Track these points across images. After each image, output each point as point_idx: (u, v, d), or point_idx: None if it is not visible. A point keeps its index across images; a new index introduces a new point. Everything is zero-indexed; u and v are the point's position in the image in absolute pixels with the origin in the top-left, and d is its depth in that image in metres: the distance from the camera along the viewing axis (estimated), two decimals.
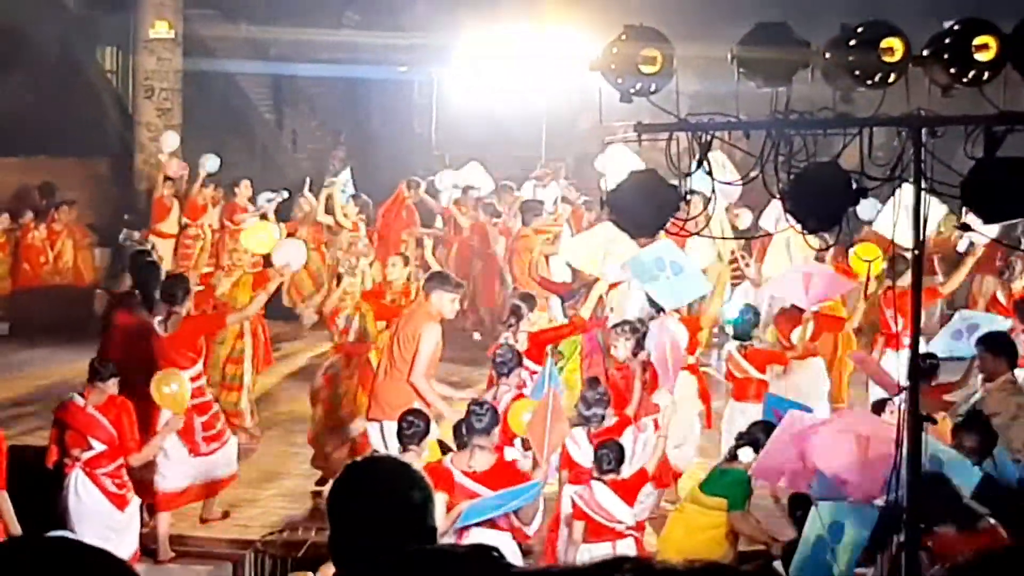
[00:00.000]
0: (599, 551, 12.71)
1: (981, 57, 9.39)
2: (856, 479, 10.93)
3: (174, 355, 14.57)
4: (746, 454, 12.95)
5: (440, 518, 11.15)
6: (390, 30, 29.92)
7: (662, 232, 10.84)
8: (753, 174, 10.07)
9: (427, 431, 12.85)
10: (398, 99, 32.50)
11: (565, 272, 20.73)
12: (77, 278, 25.64)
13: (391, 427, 13.85)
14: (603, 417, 13.81)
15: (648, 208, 9.86)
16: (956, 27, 9.51)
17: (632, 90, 9.65)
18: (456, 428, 13.11)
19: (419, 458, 12.37)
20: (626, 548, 13.00)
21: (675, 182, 9.76)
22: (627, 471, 13.13)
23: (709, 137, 9.75)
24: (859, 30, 9.55)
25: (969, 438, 11.57)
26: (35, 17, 31.49)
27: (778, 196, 9.72)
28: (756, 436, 12.89)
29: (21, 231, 25.74)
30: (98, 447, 13.31)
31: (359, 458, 4.88)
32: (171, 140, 25.42)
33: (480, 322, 23.65)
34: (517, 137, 29.38)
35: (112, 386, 13.53)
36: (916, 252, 9.91)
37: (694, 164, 9.77)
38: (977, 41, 9.39)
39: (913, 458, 9.40)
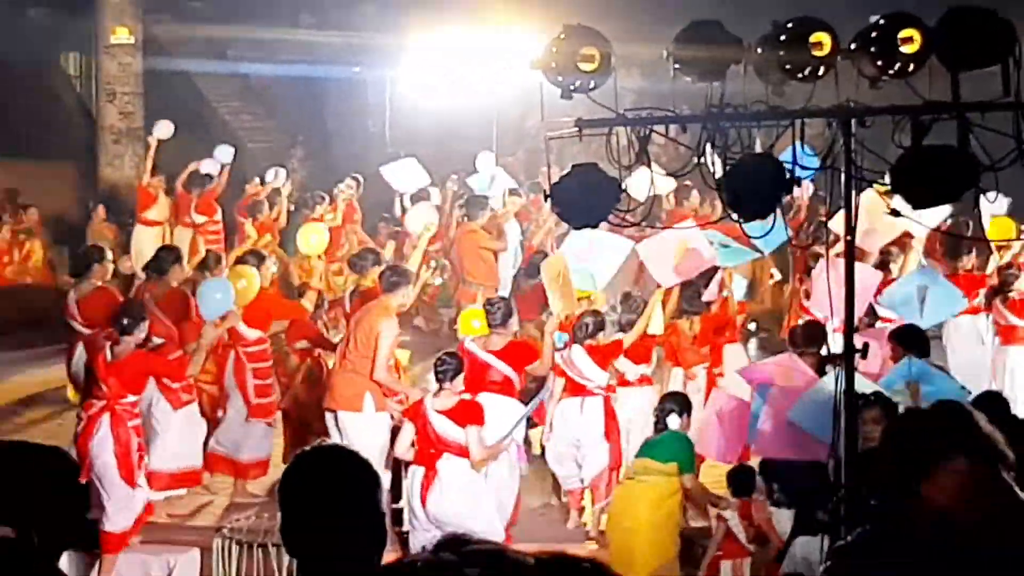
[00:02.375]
0: (571, 406, 15.14)
1: (906, 50, 9.47)
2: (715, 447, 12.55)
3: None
4: (674, 421, 13.14)
5: (406, 444, 13.45)
6: (344, 30, 29.91)
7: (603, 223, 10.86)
8: (690, 166, 10.17)
9: (459, 369, 13.57)
10: (352, 98, 32.50)
11: (509, 266, 20.91)
12: (44, 277, 25.59)
13: (345, 416, 14.00)
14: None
15: (590, 200, 9.92)
16: (882, 21, 9.58)
17: (572, 87, 9.70)
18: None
19: (453, 393, 13.45)
20: (594, 405, 15.07)
21: (615, 175, 9.82)
22: (603, 340, 15.14)
23: (647, 132, 9.80)
24: (789, 26, 9.61)
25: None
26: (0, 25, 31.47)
27: (714, 187, 9.81)
28: (674, 406, 13.20)
29: None
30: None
31: (307, 447, 4.88)
32: (164, 128, 25.16)
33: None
34: (469, 134, 29.38)
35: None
36: (848, 238, 10.00)
37: (633, 157, 9.84)
38: (902, 34, 9.46)
39: (849, 433, 9.52)
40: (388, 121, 31.59)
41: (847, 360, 9.77)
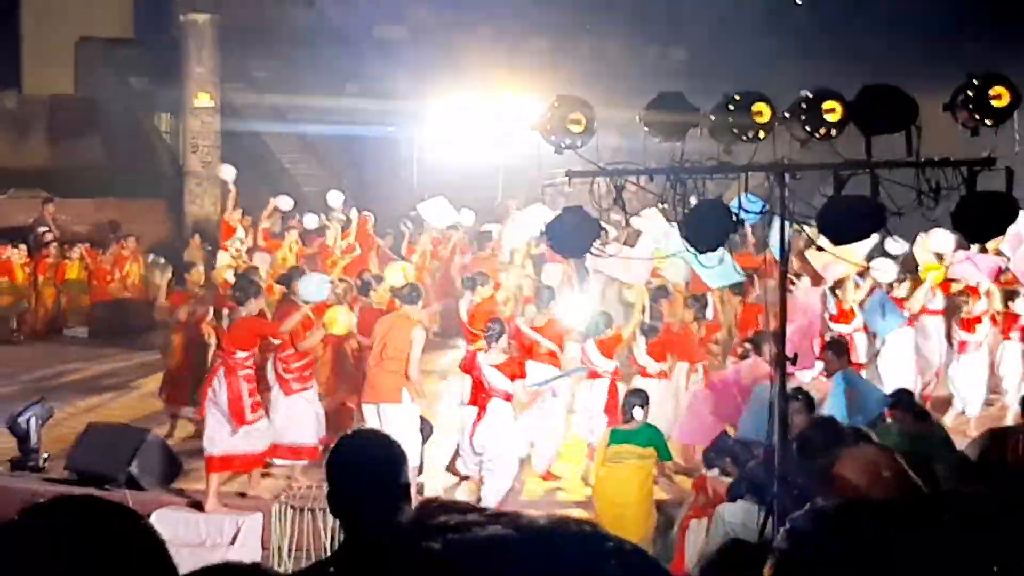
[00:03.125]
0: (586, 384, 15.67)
1: (829, 118, 9.49)
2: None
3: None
4: (639, 413, 13.11)
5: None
6: (380, 97, 29.98)
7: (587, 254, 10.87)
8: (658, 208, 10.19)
9: (502, 332, 14.38)
10: (387, 152, 32.55)
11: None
12: (140, 292, 25.62)
13: (384, 408, 13.96)
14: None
15: (576, 235, 9.94)
16: (810, 95, 9.60)
17: (563, 145, 9.72)
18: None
19: (499, 351, 14.24)
20: (601, 384, 15.47)
21: (596, 215, 9.85)
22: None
23: (623, 181, 9.82)
24: (736, 98, 9.63)
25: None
26: (108, 91, 31.62)
27: (676, 224, 9.82)
28: (636, 400, 13.17)
29: (91, 257, 25.87)
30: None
31: (350, 431, 4.96)
32: (228, 171, 25.09)
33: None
34: (480, 182, 29.44)
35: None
36: (783, 269, 10.01)
37: (611, 201, 9.86)
38: (826, 105, 9.48)
39: (782, 429, 9.52)
40: (415, 171, 31.62)
41: (780, 366, 9.78)
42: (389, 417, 13.88)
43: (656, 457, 13.09)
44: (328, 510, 4.91)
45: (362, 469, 4.69)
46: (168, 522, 13.25)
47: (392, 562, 1.50)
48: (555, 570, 1.45)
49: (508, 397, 14.15)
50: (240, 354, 13.98)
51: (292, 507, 13.71)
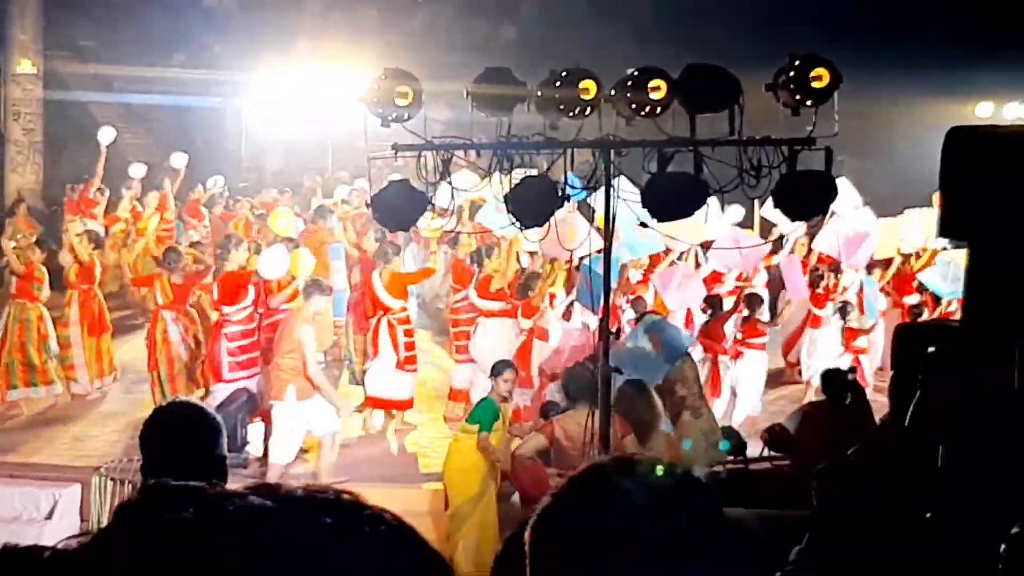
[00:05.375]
0: None
1: (655, 96, 9.55)
2: None
3: None
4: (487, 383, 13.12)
5: None
6: (208, 68, 29.57)
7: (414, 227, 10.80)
8: (483, 184, 10.18)
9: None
10: (214, 123, 32.11)
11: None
12: None
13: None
14: None
15: (403, 209, 9.88)
16: (636, 72, 9.65)
17: (390, 118, 9.63)
18: None
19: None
20: None
21: (423, 189, 9.79)
22: None
23: (449, 155, 9.77)
24: (563, 74, 9.63)
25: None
26: None
27: (502, 200, 9.80)
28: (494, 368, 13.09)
29: None
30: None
31: (163, 403, 4.84)
32: (106, 134, 24.39)
33: None
34: (310, 154, 29.22)
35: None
36: (608, 244, 10.07)
37: (438, 175, 9.82)
38: (651, 84, 9.54)
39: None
40: (244, 142, 31.27)
41: (604, 336, 9.87)
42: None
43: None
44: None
45: (174, 439, 4.58)
46: None
47: (142, 532, 1.44)
48: (307, 539, 1.43)
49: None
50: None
51: (112, 479, 13.40)
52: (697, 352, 15.66)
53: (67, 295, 17.15)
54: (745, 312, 16.78)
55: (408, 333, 15.85)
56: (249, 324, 14.56)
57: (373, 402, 15.74)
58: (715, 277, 17.90)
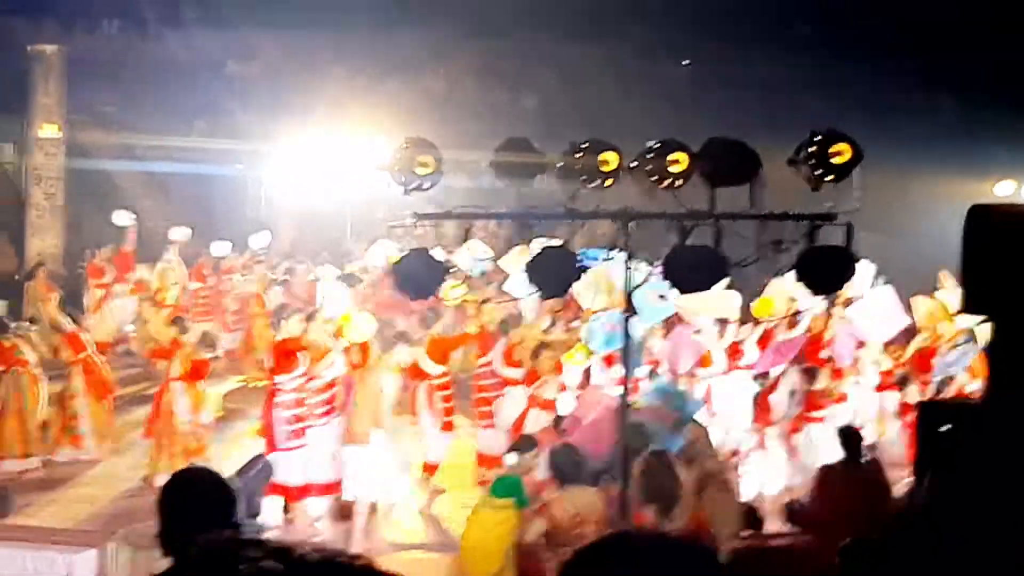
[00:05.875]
0: None
1: (674, 169, 9.56)
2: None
3: None
4: (511, 458, 12.80)
5: None
6: (230, 135, 29.69)
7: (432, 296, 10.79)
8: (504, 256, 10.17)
9: None
10: (234, 190, 32.24)
11: None
12: None
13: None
14: None
15: (422, 277, 9.87)
16: (656, 145, 9.66)
17: (411, 186, 9.64)
18: None
19: None
20: None
21: (441, 258, 9.80)
22: None
23: (470, 224, 9.79)
24: (583, 145, 9.66)
25: None
26: None
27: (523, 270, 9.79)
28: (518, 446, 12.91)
29: None
30: None
31: (181, 468, 4.81)
32: (122, 217, 24.73)
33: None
34: (328, 221, 29.30)
35: None
36: (629, 310, 10.04)
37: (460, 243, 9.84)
38: (671, 156, 9.56)
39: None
40: (263, 210, 31.38)
41: (623, 405, 9.80)
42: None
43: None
44: (160, 547, 4.73)
45: (190, 506, 4.54)
46: None
47: None
48: None
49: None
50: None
51: (128, 544, 13.34)
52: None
53: (67, 370, 17.22)
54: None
55: (447, 399, 15.86)
56: (301, 393, 14.45)
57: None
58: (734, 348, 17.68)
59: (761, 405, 16.12)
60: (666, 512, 11.12)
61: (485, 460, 16.09)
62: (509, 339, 16.18)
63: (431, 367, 15.66)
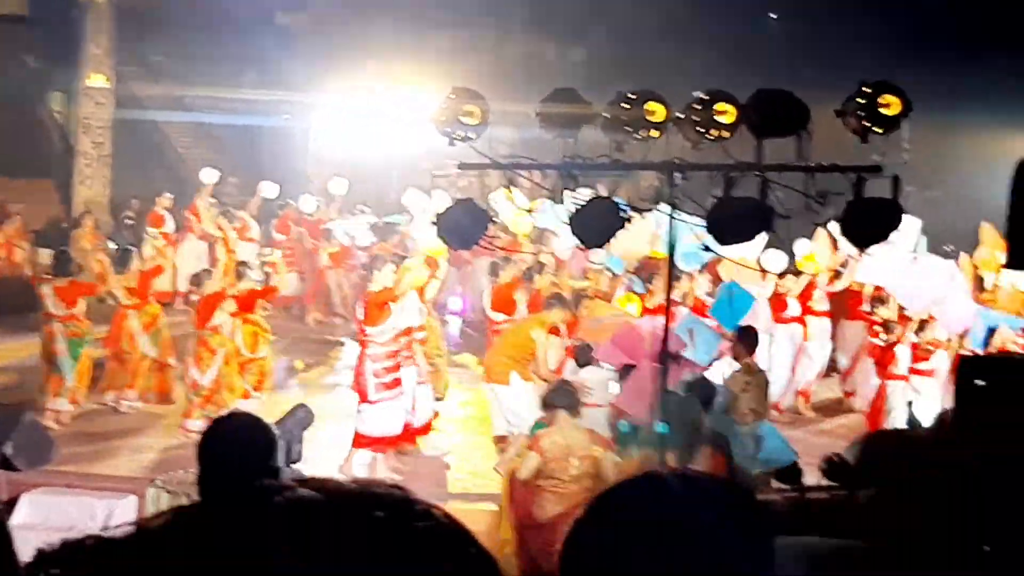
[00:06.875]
0: None
1: (722, 120, 9.53)
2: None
3: None
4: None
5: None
6: (278, 86, 29.76)
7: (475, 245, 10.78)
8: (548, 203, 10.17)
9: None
10: (281, 141, 32.29)
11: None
12: (17, 273, 24.93)
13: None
14: None
15: (467, 226, 9.88)
16: (704, 96, 9.63)
17: (456, 136, 9.65)
18: None
19: None
20: None
21: (485, 207, 9.82)
22: None
23: (514, 174, 9.79)
24: (630, 96, 9.63)
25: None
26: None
27: (567, 222, 9.78)
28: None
29: None
30: None
31: (221, 414, 4.86)
32: (209, 174, 24.73)
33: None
34: (375, 172, 29.31)
35: None
36: (671, 265, 10.03)
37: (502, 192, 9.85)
38: (718, 107, 9.52)
39: None
40: (308, 161, 31.42)
41: (664, 355, 9.80)
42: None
43: None
44: (199, 493, 4.78)
45: (231, 451, 4.58)
46: (38, 505, 12.95)
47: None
48: (356, 533, 1.43)
49: None
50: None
51: (168, 491, 13.44)
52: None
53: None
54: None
55: None
56: (393, 345, 14.37)
57: None
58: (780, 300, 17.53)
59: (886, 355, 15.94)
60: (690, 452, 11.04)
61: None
62: (496, 282, 16.18)
63: (495, 315, 15.81)
